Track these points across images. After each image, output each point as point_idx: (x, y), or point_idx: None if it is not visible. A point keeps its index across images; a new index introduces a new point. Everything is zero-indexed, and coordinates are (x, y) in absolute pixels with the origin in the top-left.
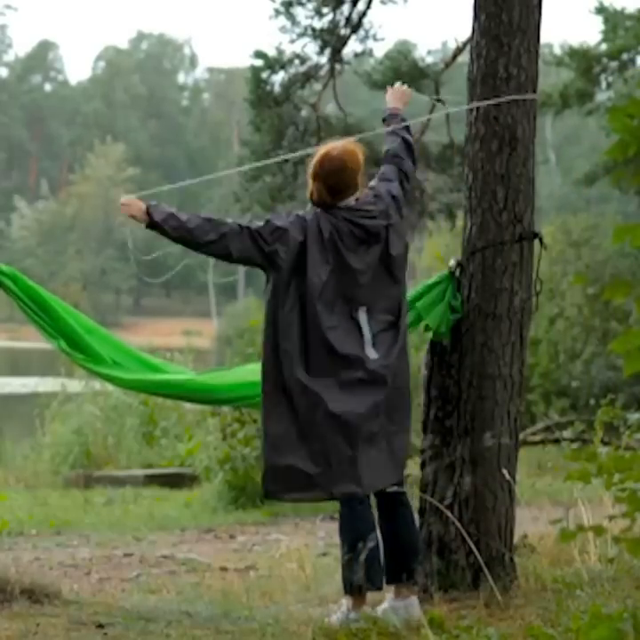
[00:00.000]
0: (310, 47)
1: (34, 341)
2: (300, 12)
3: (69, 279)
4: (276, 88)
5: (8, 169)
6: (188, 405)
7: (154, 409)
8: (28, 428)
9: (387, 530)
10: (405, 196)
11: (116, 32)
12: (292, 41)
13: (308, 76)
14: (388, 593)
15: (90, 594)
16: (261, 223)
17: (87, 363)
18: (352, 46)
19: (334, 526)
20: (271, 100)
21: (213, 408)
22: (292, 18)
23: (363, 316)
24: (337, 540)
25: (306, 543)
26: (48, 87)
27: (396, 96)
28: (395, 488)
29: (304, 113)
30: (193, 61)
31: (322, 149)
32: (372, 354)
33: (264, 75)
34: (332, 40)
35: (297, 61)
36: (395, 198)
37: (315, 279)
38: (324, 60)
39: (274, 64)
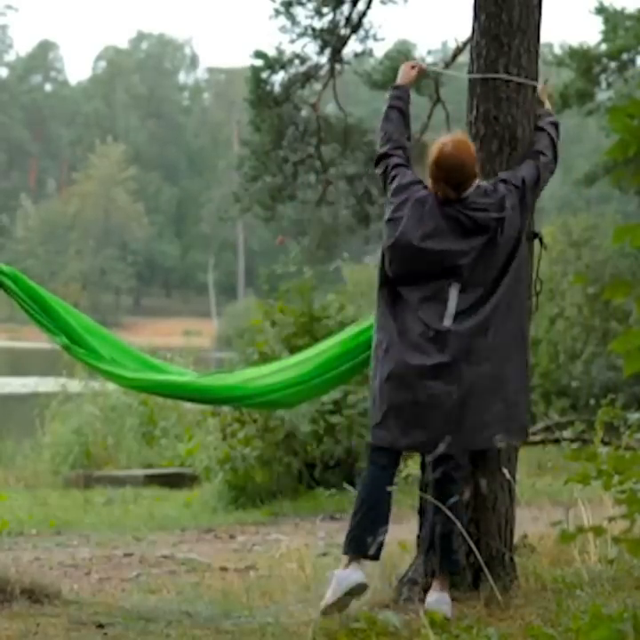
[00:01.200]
0: (310, 47)
1: (34, 341)
2: (300, 12)
3: (69, 279)
4: (276, 88)
5: (8, 169)
6: (187, 405)
7: (154, 409)
8: (28, 428)
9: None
10: (536, 185)
11: (117, 32)
12: (292, 41)
13: (308, 75)
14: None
15: (90, 594)
16: None
17: (89, 359)
18: (352, 46)
19: (334, 526)
20: (271, 99)
21: (213, 408)
22: (292, 18)
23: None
24: (337, 540)
25: (306, 543)
26: (48, 87)
27: (548, 98)
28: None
29: (304, 113)
30: (193, 61)
31: (434, 148)
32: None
33: (264, 75)
34: (332, 40)
35: (297, 61)
36: (518, 186)
37: None
38: (323, 59)
39: (274, 64)
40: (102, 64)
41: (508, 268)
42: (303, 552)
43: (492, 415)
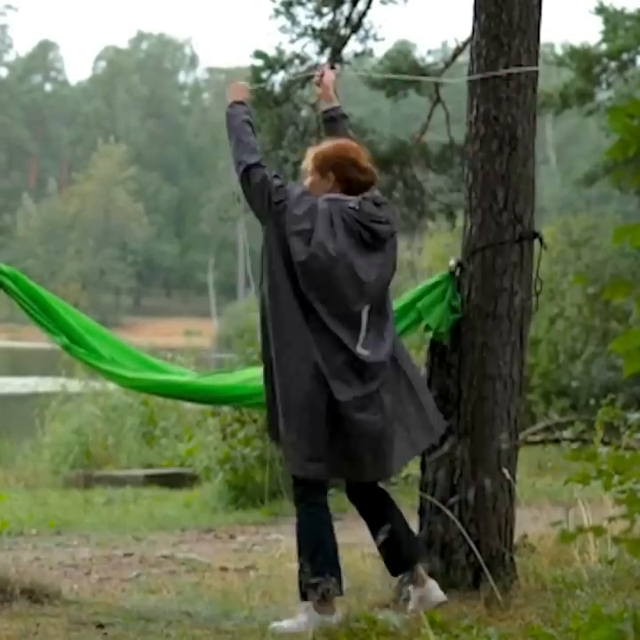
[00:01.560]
0: (310, 47)
1: (34, 341)
2: (300, 12)
3: (69, 279)
4: (276, 88)
5: (8, 169)
6: (188, 405)
7: (154, 409)
8: (28, 428)
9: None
10: None
11: (116, 32)
12: (292, 41)
13: (309, 75)
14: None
15: (90, 594)
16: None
17: (89, 358)
18: (352, 46)
19: (336, 526)
20: (271, 99)
21: (213, 408)
22: (292, 18)
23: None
24: (338, 540)
25: None
26: (48, 87)
27: (326, 90)
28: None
29: (304, 113)
30: (193, 61)
31: (336, 148)
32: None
33: (264, 75)
34: (332, 40)
35: (297, 61)
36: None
37: None
38: (324, 59)
39: (274, 64)
40: (102, 64)
41: (388, 287)
42: None
43: (416, 432)
